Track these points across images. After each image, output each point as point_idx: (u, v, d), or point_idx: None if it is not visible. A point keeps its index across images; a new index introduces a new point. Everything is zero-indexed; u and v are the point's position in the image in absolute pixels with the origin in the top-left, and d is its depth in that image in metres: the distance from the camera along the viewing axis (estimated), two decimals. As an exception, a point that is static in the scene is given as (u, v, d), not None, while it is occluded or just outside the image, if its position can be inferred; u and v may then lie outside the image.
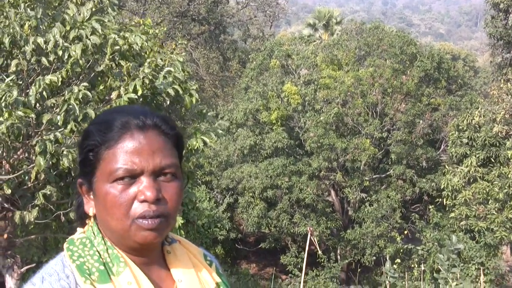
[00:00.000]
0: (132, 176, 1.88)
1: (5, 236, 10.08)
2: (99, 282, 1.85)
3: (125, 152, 1.88)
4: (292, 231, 29.41)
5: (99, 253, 1.93)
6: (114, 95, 8.98)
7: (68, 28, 9.10)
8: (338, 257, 29.39)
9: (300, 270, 26.76)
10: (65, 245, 1.99)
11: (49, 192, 8.98)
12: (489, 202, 25.27)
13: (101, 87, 9.35)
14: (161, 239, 1.99)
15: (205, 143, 9.43)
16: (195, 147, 9.23)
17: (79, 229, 2.06)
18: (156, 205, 1.87)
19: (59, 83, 8.67)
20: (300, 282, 26.37)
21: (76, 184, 2.06)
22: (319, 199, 29.90)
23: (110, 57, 9.23)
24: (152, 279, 1.94)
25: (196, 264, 2.11)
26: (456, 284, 6.69)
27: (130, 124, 1.92)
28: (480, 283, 8.85)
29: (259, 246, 31.65)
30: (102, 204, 1.92)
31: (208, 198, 30.30)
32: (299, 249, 29.47)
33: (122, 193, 1.87)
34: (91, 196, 1.99)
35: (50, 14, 9.42)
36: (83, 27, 9.01)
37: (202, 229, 25.29)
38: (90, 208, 2.01)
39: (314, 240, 7.74)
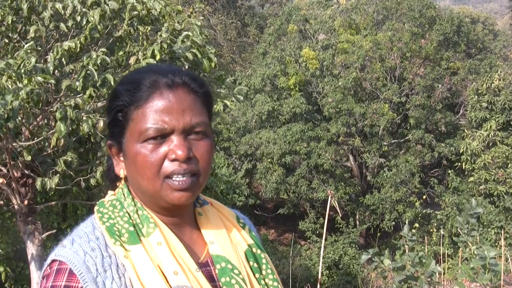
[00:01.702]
0: (163, 136, 1.86)
1: (26, 202, 10.13)
2: (128, 243, 1.85)
3: (155, 111, 1.86)
4: (310, 196, 29.45)
5: (129, 214, 1.93)
6: (132, 60, 8.95)
7: (86, -7, 9.07)
8: (357, 222, 29.45)
9: (319, 235, 26.91)
10: (96, 208, 1.99)
11: (70, 159, 9.00)
12: (509, 166, 25.21)
13: (120, 53, 9.32)
14: (193, 199, 1.98)
15: (225, 107, 9.40)
16: (215, 110, 9.21)
17: (110, 192, 2.05)
18: (187, 164, 1.86)
19: (78, 49, 8.66)
20: (319, 248, 26.50)
21: (106, 145, 2.04)
22: (338, 165, 29.90)
23: (129, 22, 9.20)
24: (183, 240, 1.94)
25: (228, 226, 2.10)
26: (476, 248, 6.66)
27: (159, 83, 1.89)
28: (502, 247, 8.81)
29: (278, 212, 31.68)
30: (133, 164, 1.90)
31: (226, 164, 30.32)
32: (318, 214, 29.53)
33: (153, 153, 1.86)
34: (121, 158, 1.98)
35: (67, -21, 9.38)
36: (101, -8, 8.98)
37: (220, 195, 25.31)
38: (120, 169, 2.00)
39: (335, 204, 7.70)
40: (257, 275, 2.02)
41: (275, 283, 2.03)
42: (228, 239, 2.04)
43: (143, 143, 1.86)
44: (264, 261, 2.07)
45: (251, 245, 2.09)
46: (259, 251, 2.10)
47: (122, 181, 2.02)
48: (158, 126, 1.85)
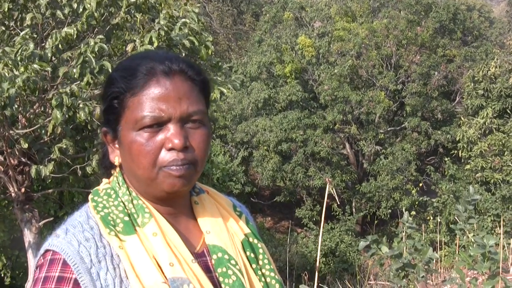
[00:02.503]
0: (159, 124, 1.83)
1: (23, 190, 10.13)
2: (123, 233, 1.82)
3: (151, 99, 1.83)
4: (307, 184, 29.48)
5: (124, 203, 1.90)
6: (129, 47, 8.94)
7: (82, -20, 9.04)
8: (353, 210, 29.48)
9: (315, 223, 26.92)
10: (90, 196, 1.96)
11: (64, 146, 8.99)
12: (505, 154, 25.23)
13: (117, 40, 9.31)
14: (189, 187, 1.95)
15: (222, 94, 9.39)
16: (212, 98, 9.20)
17: (104, 180, 2.02)
18: (184, 153, 1.83)
19: (75, 36, 8.63)
20: (316, 235, 26.54)
21: (101, 132, 2.00)
22: (334, 152, 29.90)
23: (126, 9, 9.18)
24: (178, 230, 1.91)
25: (224, 215, 2.07)
26: (473, 235, 6.65)
27: (155, 70, 1.86)
28: (500, 234, 8.81)
29: (274, 200, 31.71)
30: (128, 153, 1.87)
31: (222, 152, 30.35)
32: (314, 202, 29.56)
33: (149, 141, 1.83)
34: (116, 145, 1.95)
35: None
36: (98, -21, 8.94)
37: (217, 183, 25.33)
38: (115, 157, 1.96)
39: (333, 191, 7.68)
40: (254, 265, 2.00)
41: (272, 273, 2.01)
42: (224, 228, 2.02)
43: (139, 131, 1.84)
44: (261, 251, 2.05)
45: (248, 235, 2.07)
46: (255, 241, 2.07)
47: (117, 169, 1.99)
48: (154, 114, 1.82)
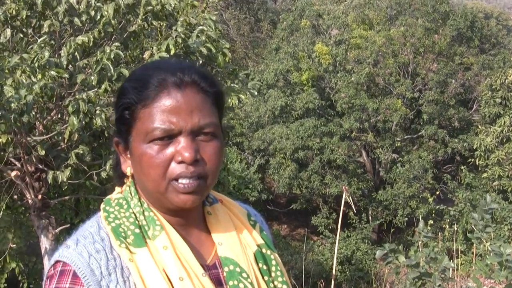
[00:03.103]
0: (170, 136, 1.82)
1: (39, 197, 10.15)
2: (134, 246, 1.81)
3: (162, 111, 1.81)
4: (323, 192, 29.44)
5: (135, 215, 1.90)
6: (146, 54, 8.96)
7: (100, -12, 9.07)
8: (370, 218, 29.41)
9: (331, 231, 26.89)
10: (102, 205, 1.96)
11: (81, 152, 9.01)
12: (523, 162, 25.09)
13: (135, 46, 9.34)
14: (200, 202, 1.93)
15: (239, 101, 9.39)
16: (229, 105, 9.21)
17: (117, 188, 2.01)
18: (194, 166, 1.82)
19: (91, 44, 8.67)
20: (332, 243, 26.48)
21: (113, 142, 2.00)
22: (350, 160, 29.89)
23: (143, 17, 9.20)
24: (190, 242, 1.91)
25: (237, 226, 2.05)
26: (490, 244, 6.62)
27: (167, 82, 1.84)
28: (516, 243, 8.75)
29: (290, 207, 31.70)
30: (138, 164, 1.86)
31: (239, 160, 30.33)
32: (330, 210, 29.51)
33: (159, 154, 1.82)
34: (128, 155, 1.94)
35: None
36: (115, -13, 8.97)
37: (233, 190, 25.31)
38: (127, 167, 1.95)
39: (349, 199, 7.66)
40: (266, 278, 1.98)
41: (284, 286, 2.00)
42: (237, 240, 2.00)
43: (149, 143, 1.82)
44: (273, 262, 2.03)
45: (261, 245, 2.04)
46: (269, 252, 2.05)
47: (130, 179, 1.98)
48: (165, 126, 1.81)
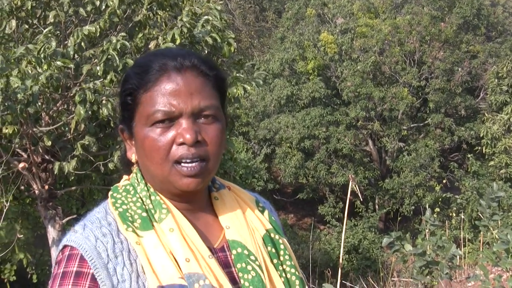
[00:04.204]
0: (171, 119, 1.84)
1: (46, 187, 10.17)
2: (140, 229, 1.83)
3: (163, 94, 1.85)
4: (329, 181, 29.48)
5: (142, 199, 1.92)
6: (152, 44, 8.96)
7: (105, -22, 9.06)
8: (376, 207, 29.41)
9: (338, 220, 26.89)
10: (110, 193, 1.98)
11: (87, 142, 9.01)
12: (530, 150, 25.06)
13: (140, 36, 9.33)
14: (204, 185, 1.95)
15: (244, 91, 9.38)
16: (235, 95, 9.20)
17: (124, 177, 2.04)
18: (195, 148, 1.84)
19: (97, 34, 8.67)
20: (338, 232, 26.50)
21: (118, 130, 2.03)
22: (357, 149, 29.90)
23: (148, 7, 9.19)
24: (197, 225, 1.92)
25: (245, 210, 2.07)
26: (497, 232, 6.63)
27: (167, 66, 1.88)
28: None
29: (297, 197, 31.71)
30: (142, 148, 1.89)
31: (245, 149, 30.35)
32: (337, 199, 29.53)
33: (161, 136, 1.84)
34: (133, 142, 1.97)
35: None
36: (120, -24, 8.96)
37: (239, 180, 25.32)
38: (132, 154, 1.99)
39: (356, 188, 7.66)
40: (275, 261, 1.99)
41: (293, 269, 2.01)
42: (245, 223, 2.01)
43: (151, 126, 1.85)
44: (282, 246, 2.04)
45: (269, 230, 2.06)
46: (277, 236, 2.06)
47: (136, 166, 2.00)
48: (165, 109, 1.83)
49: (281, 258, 2.02)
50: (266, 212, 2.14)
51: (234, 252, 1.93)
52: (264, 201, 2.23)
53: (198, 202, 2.00)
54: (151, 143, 1.85)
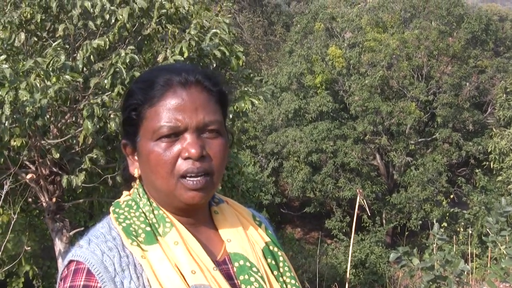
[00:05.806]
0: (176, 134, 1.86)
1: (54, 200, 10.18)
2: (145, 243, 1.84)
3: (168, 109, 1.87)
4: (337, 195, 29.45)
5: (145, 214, 1.93)
6: (160, 58, 8.99)
7: (114, -9, 9.11)
8: (383, 221, 29.37)
9: (345, 234, 26.84)
10: (111, 208, 1.99)
11: (95, 156, 9.03)
12: (538, 166, 24.96)
13: (148, 51, 9.36)
14: (208, 199, 1.97)
15: (252, 105, 9.39)
16: (244, 109, 9.21)
17: (125, 192, 2.05)
18: (200, 162, 1.86)
19: (106, 47, 8.70)
20: (346, 246, 26.45)
21: (121, 145, 2.04)
22: (364, 163, 29.87)
23: (157, 20, 9.23)
24: (199, 239, 1.93)
25: (244, 224, 2.10)
26: (505, 247, 6.60)
27: (172, 81, 1.90)
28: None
29: (304, 211, 31.65)
30: (147, 163, 1.90)
31: (253, 163, 30.33)
32: (344, 213, 29.49)
33: (166, 151, 1.86)
34: (136, 157, 1.99)
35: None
36: (130, -10, 9.01)
37: (247, 193, 25.30)
38: (135, 169, 2.00)
39: (364, 202, 7.66)
40: (275, 272, 2.02)
41: (293, 281, 2.03)
42: (245, 236, 2.04)
43: (156, 141, 1.87)
44: (281, 258, 2.07)
45: (268, 243, 2.08)
46: (276, 249, 2.09)
47: (137, 181, 2.02)
48: (171, 124, 1.85)
49: (281, 269, 2.04)
50: (263, 226, 2.17)
51: (236, 264, 1.95)
52: (260, 215, 2.25)
53: (200, 216, 2.01)
54: (156, 157, 1.86)
